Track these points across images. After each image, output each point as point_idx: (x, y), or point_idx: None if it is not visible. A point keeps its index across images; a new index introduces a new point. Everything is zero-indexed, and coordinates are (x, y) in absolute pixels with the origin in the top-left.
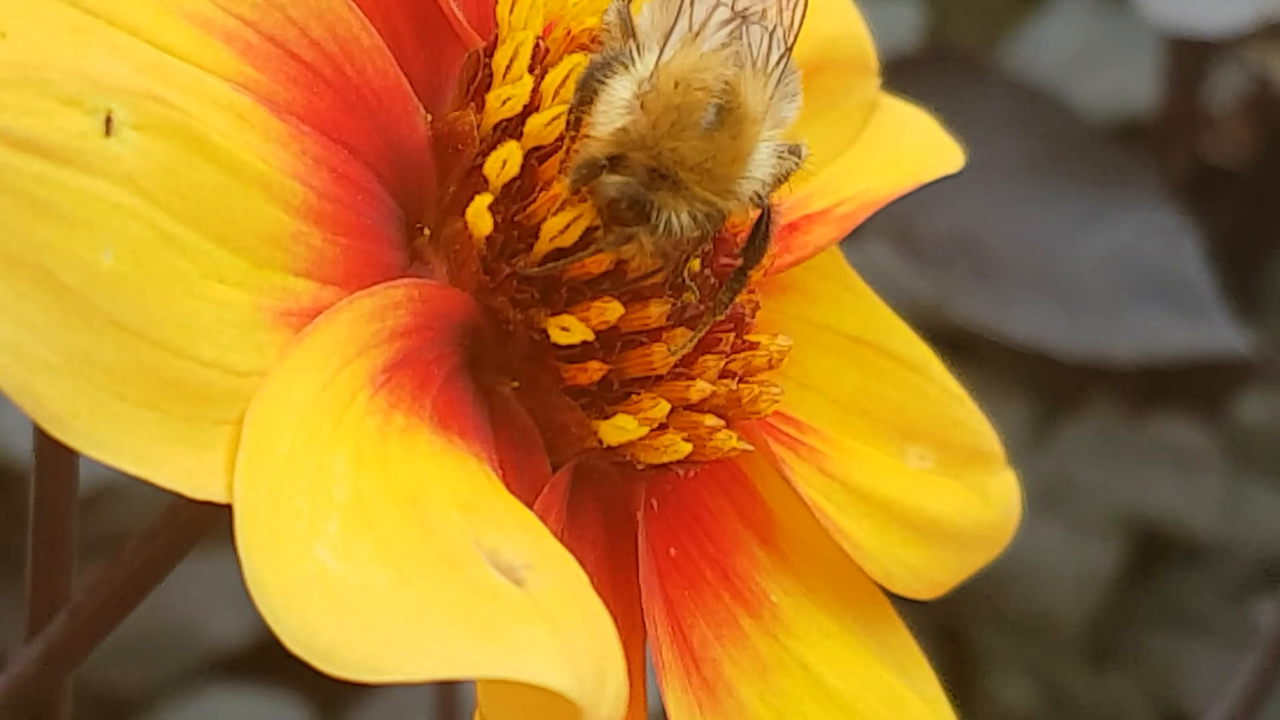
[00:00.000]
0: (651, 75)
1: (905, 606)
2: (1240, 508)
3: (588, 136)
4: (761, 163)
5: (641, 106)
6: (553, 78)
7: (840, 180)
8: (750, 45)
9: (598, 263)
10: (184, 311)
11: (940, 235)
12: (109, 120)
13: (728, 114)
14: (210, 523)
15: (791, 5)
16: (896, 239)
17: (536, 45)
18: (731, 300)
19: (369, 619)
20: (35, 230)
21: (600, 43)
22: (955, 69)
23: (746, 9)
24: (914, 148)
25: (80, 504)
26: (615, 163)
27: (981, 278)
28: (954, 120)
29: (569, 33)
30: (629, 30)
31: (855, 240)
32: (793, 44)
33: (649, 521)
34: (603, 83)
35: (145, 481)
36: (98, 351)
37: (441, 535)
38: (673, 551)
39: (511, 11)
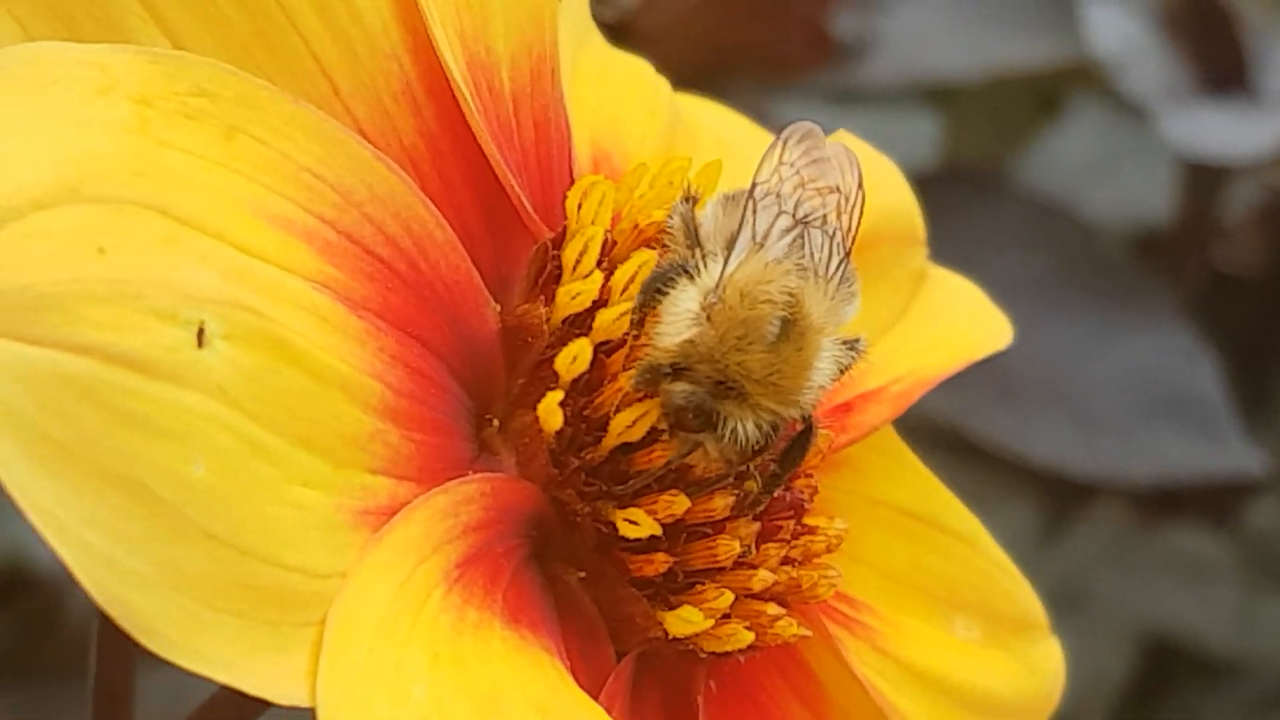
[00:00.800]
0: (718, 287)
1: None
2: (1255, 620)
3: (651, 344)
4: (824, 369)
5: (708, 319)
6: (622, 274)
7: (893, 356)
8: (812, 252)
9: (661, 459)
10: (270, 518)
11: None
12: (201, 331)
13: (792, 327)
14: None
15: (850, 208)
16: None
17: (605, 240)
18: (770, 494)
19: None
20: (129, 444)
21: (664, 245)
22: (971, 185)
23: (808, 216)
24: (965, 322)
25: (96, 613)
26: (679, 371)
27: (998, 396)
28: (970, 237)
29: (636, 226)
30: (692, 234)
31: None
32: (851, 247)
33: (708, 704)
34: (667, 290)
35: None
36: (189, 562)
37: None
38: None
39: (581, 207)
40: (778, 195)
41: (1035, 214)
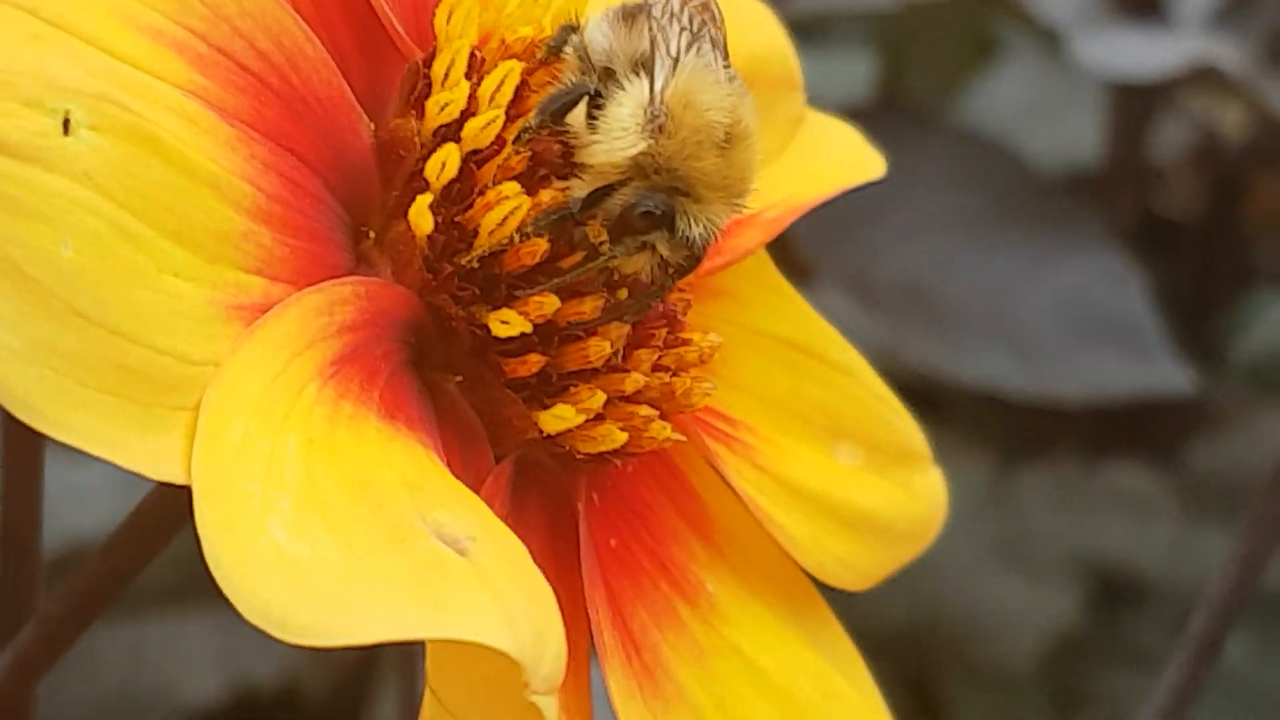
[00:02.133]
0: (654, 100)
1: (870, 659)
2: (1190, 550)
3: (584, 164)
4: (756, 159)
5: (660, 130)
6: (489, 83)
7: (768, 188)
8: (710, 63)
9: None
10: (140, 302)
11: (894, 282)
12: (67, 120)
13: (733, 130)
14: (170, 534)
15: (719, 22)
16: (851, 286)
17: (473, 54)
18: (660, 297)
19: (322, 589)
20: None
21: (555, 71)
22: (907, 121)
23: (697, 29)
24: (837, 156)
25: (50, 565)
26: (630, 176)
27: (934, 323)
28: (906, 171)
29: (503, 41)
30: (586, 58)
31: (809, 287)
32: (727, 56)
33: (590, 514)
34: (561, 117)
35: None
36: (60, 339)
37: (389, 511)
38: (613, 543)
39: (448, 22)
40: (672, 13)
41: (969, 148)
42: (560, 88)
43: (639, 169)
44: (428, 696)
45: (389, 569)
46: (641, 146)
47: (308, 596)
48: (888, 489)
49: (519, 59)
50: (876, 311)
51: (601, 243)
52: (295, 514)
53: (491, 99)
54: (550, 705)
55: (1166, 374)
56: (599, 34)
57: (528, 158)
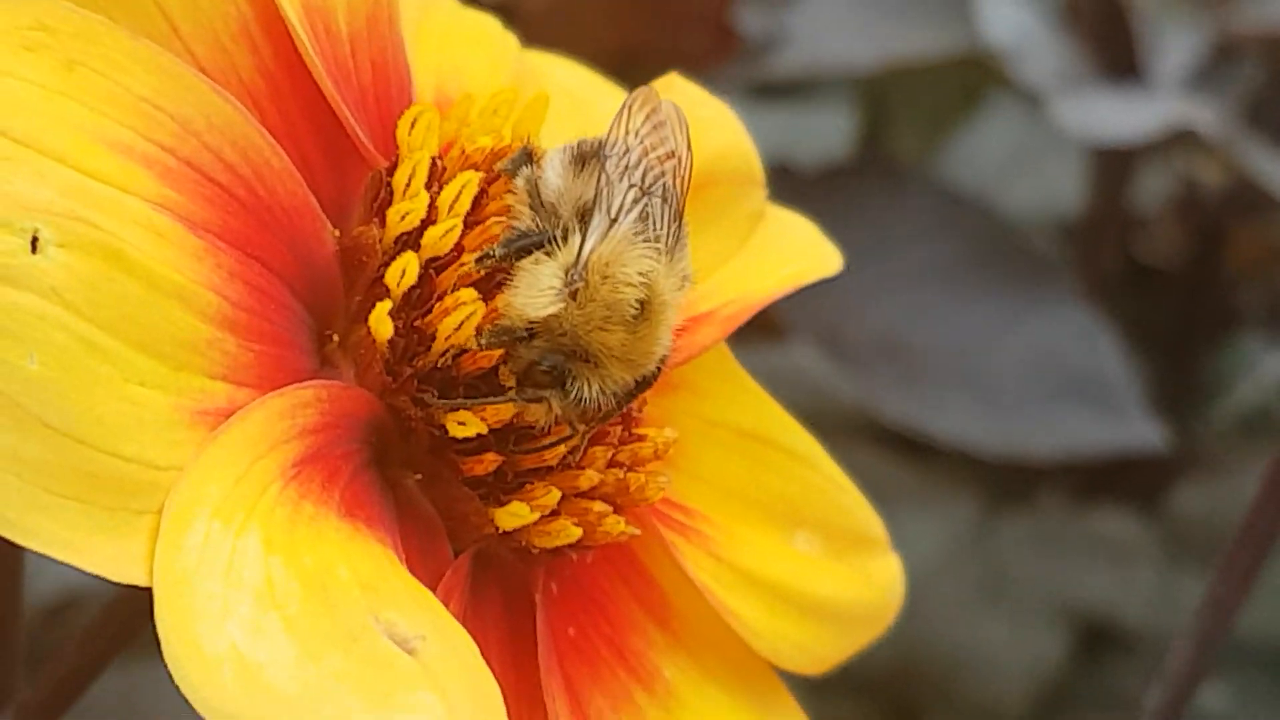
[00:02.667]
0: (578, 264)
1: (857, 700)
2: (1172, 597)
3: (508, 309)
4: (667, 337)
5: (572, 298)
6: (448, 193)
7: (726, 284)
8: (655, 221)
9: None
10: (105, 411)
11: (867, 338)
12: (35, 239)
13: (648, 305)
14: (145, 624)
15: (684, 170)
16: (825, 342)
17: (434, 164)
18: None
19: (274, 690)
20: None
21: (508, 205)
22: (884, 177)
23: (650, 186)
24: (795, 252)
25: (43, 614)
26: (539, 332)
27: (907, 379)
28: (881, 226)
29: (463, 151)
30: (536, 195)
31: (783, 343)
32: (683, 209)
33: (547, 604)
34: (521, 258)
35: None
36: (25, 448)
37: (343, 611)
38: (571, 631)
39: (410, 133)
40: (626, 167)
41: (943, 203)
42: (526, 229)
43: (548, 328)
44: None
45: (340, 668)
46: (553, 310)
47: (261, 697)
48: (845, 575)
49: (478, 169)
50: (849, 367)
51: (510, 386)
52: (253, 615)
53: (451, 208)
54: None
55: (1138, 430)
56: (552, 171)
57: None
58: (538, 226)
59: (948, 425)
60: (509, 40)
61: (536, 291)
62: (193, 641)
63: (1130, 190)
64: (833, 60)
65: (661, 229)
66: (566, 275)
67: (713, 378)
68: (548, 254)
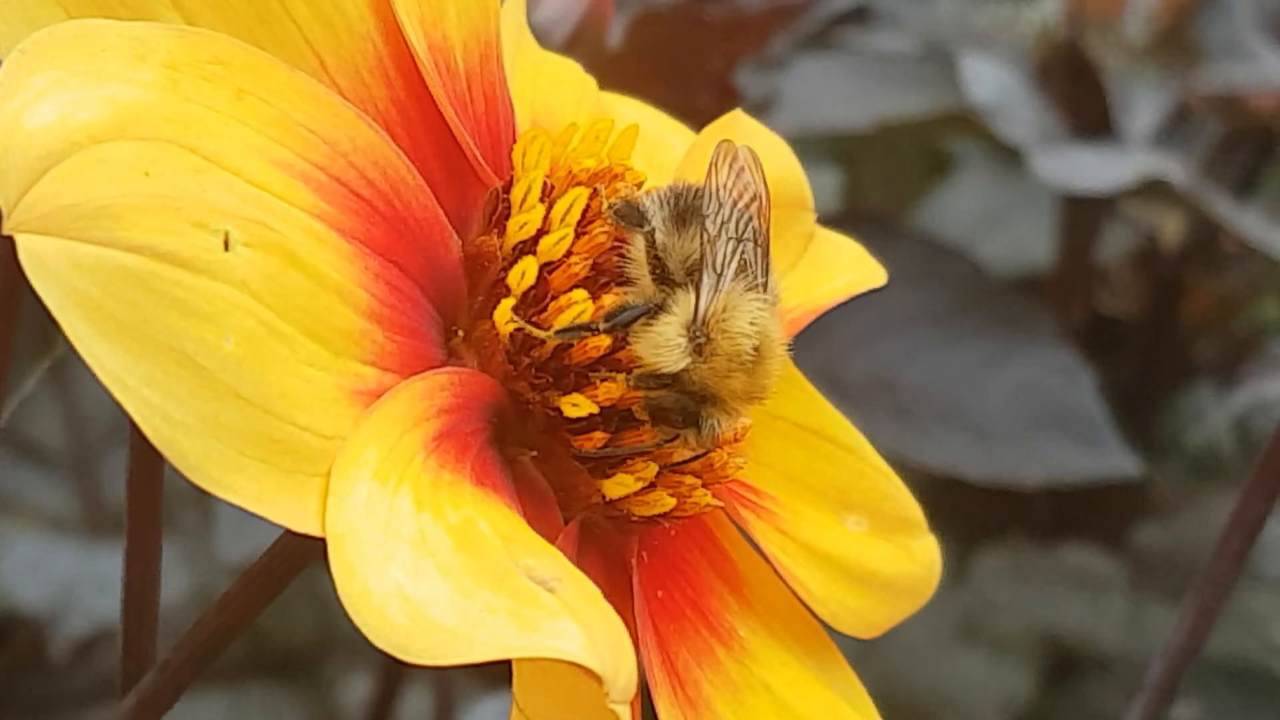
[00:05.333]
0: (697, 321)
1: None
2: (1142, 623)
3: (639, 359)
4: (779, 362)
5: (698, 353)
6: (559, 206)
7: (787, 294)
8: (751, 265)
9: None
10: (285, 387)
11: (863, 376)
12: (226, 239)
13: (760, 348)
14: (276, 592)
15: (764, 210)
16: (822, 381)
17: (544, 183)
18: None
19: (436, 622)
20: (175, 322)
21: (622, 255)
22: (871, 227)
23: (743, 234)
24: (846, 267)
25: (79, 647)
26: (672, 383)
27: (900, 413)
28: None
29: (570, 172)
30: (650, 248)
31: None
32: (768, 243)
33: (641, 569)
34: (647, 321)
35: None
36: (223, 416)
37: (488, 557)
38: (660, 594)
39: (524, 156)
40: (722, 222)
41: (929, 252)
42: (632, 303)
43: (679, 381)
44: (514, 711)
45: (491, 603)
46: (684, 364)
47: (425, 627)
48: (891, 551)
49: (584, 185)
50: (847, 402)
51: (644, 423)
52: (411, 560)
53: (562, 219)
54: (625, 711)
55: (1115, 460)
56: (656, 219)
57: (590, 266)
58: (647, 277)
59: (939, 455)
60: (589, 81)
61: (666, 349)
62: (362, 583)
63: (1097, 244)
64: (825, 121)
65: (757, 268)
66: (689, 332)
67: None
68: (662, 314)
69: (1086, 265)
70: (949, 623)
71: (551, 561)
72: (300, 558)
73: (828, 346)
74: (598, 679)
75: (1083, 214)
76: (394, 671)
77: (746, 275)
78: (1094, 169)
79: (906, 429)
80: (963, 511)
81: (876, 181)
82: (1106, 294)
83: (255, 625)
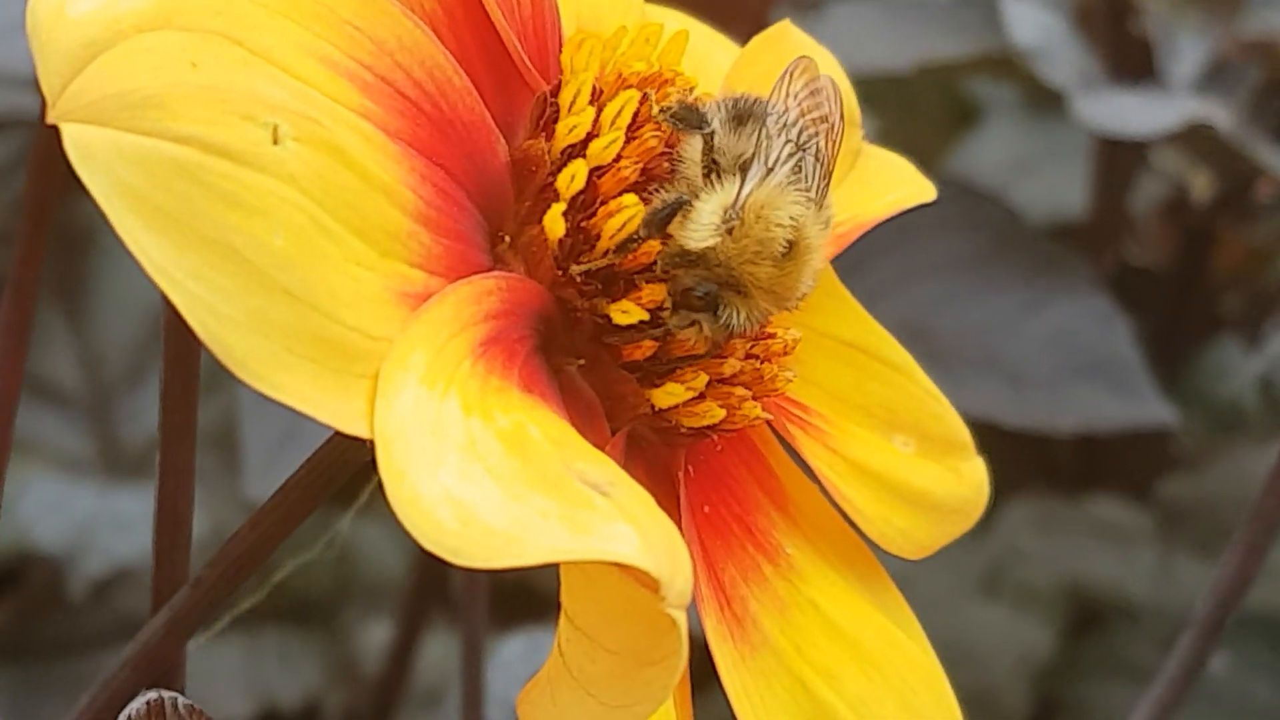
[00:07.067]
0: (736, 205)
1: None
2: (1170, 576)
3: (673, 238)
4: (809, 278)
5: (729, 233)
6: (610, 110)
7: (836, 208)
8: (806, 176)
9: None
10: (333, 284)
11: (896, 322)
12: (275, 133)
13: (795, 246)
14: (310, 509)
15: (835, 136)
16: None
17: (593, 86)
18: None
19: (487, 524)
20: (224, 215)
21: (672, 159)
22: None
23: (804, 143)
24: (895, 182)
25: (96, 589)
26: (698, 261)
27: (935, 359)
28: (907, 218)
29: (620, 75)
30: (709, 151)
31: None
32: (832, 169)
33: (687, 483)
34: (665, 227)
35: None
36: (272, 312)
37: (539, 461)
38: (706, 509)
39: (574, 59)
40: (784, 125)
41: (964, 197)
42: (660, 203)
43: (704, 259)
44: (562, 621)
45: (544, 506)
46: (710, 243)
47: (476, 530)
48: (939, 472)
49: (634, 89)
50: None
51: (665, 308)
52: (460, 464)
53: (613, 122)
54: (682, 617)
55: (1151, 408)
56: (714, 120)
57: (640, 171)
58: (700, 181)
59: (972, 402)
60: None
61: (697, 225)
62: (411, 487)
63: (1129, 195)
64: (868, 63)
65: (812, 182)
66: (725, 214)
67: (822, 294)
68: (704, 195)
69: (1119, 215)
70: (973, 573)
71: (603, 467)
72: (338, 472)
73: (861, 291)
74: (654, 583)
75: (1117, 161)
76: (414, 618)
77: (799, 181)
78: (1137, 113)
79: (940, 375)
80: (991, 461)
81: (901, 129)
82: (1135, 244)
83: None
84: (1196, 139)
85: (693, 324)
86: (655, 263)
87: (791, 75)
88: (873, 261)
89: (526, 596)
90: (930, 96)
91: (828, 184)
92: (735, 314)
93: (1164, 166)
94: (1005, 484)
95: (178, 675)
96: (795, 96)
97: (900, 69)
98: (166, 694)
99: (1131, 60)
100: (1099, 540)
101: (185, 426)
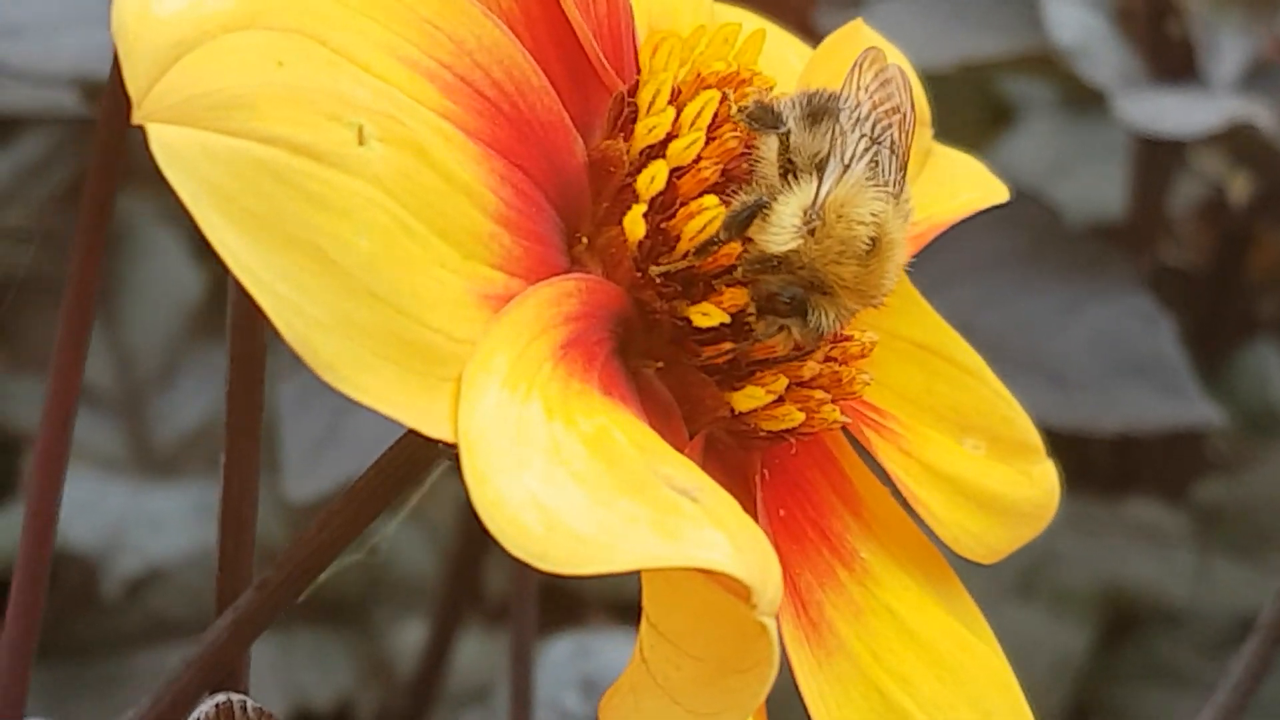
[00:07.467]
0: (815, 205)
1: None
2: (1208, 579)
3: (753, 241)
4: (895, 273)
5: (811, 234)
6: (690, 110)
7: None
8: (883, 169)
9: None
10: (417, 286)
11: None
12: (360, 133)
13: (878, 243)
14: (374, 515)
15: (908, 127)
16: None
17: (672, 84)
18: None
19: (573, 529)
20: (311, 216)
21: (751, 160)
22: None
23: (879, 136)
24: (967, 183)
25: (129, 588)
26: (778, 266)
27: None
28: None
29: (699, 75)
30: (785, 150)
31: None
32: (906, 162)
33: (763, 486)
34: (745, 229)
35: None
36: (358, 314)
37: (625, 466)
38: (782, 513)
39: (654, 58)
40: (858, 119)
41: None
42: (739, 205)
43: (788, 262)
44: (645, 627)
45: (632, 511)
46: (793, 245)
47: (562, 535)
48: (1011, 476)
49: (714, 89)
50: None
51: (749, 313)
52: (544, 468)
53: (693, 123)
54: (772, 624)
55: (1196, 409)
56: (788, 119)
57: (720, 171)
58: (778, 180)
59: (1019, 402)
60: None
61: (778, 228)
62: (496, 492)
63: (1168, 196)
64: (910, 60)
65: (889, 176)
66: (805, 215)
67: (893, 295)
68: (781, 198)
69: (1158, 215)
70: (1009, 574)
71: (689, 471)
72: (407, 475)
73: None
74: (744, 590)
75: (1157, 162)
76: (448, 619)
77: (877, 176)
78: (1179, 112)
79: None
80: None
81: (937, 127)
82: (1172, 245)
83: None
84: (1237, 139)
85: (781, 329)
86: (736, 265)
87: (861, 67)
88: (917, 262)
89: (567, 599)
90: (966, 94)
91: (904, 175)
92: (824, 316)
93: (1202, 167)
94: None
95: (241, 678)
96: (866, 89)
97: (942, 67)
98: (235, 696)
99: (1172, 60)
100: (1136, 542)
101: (250, 427)
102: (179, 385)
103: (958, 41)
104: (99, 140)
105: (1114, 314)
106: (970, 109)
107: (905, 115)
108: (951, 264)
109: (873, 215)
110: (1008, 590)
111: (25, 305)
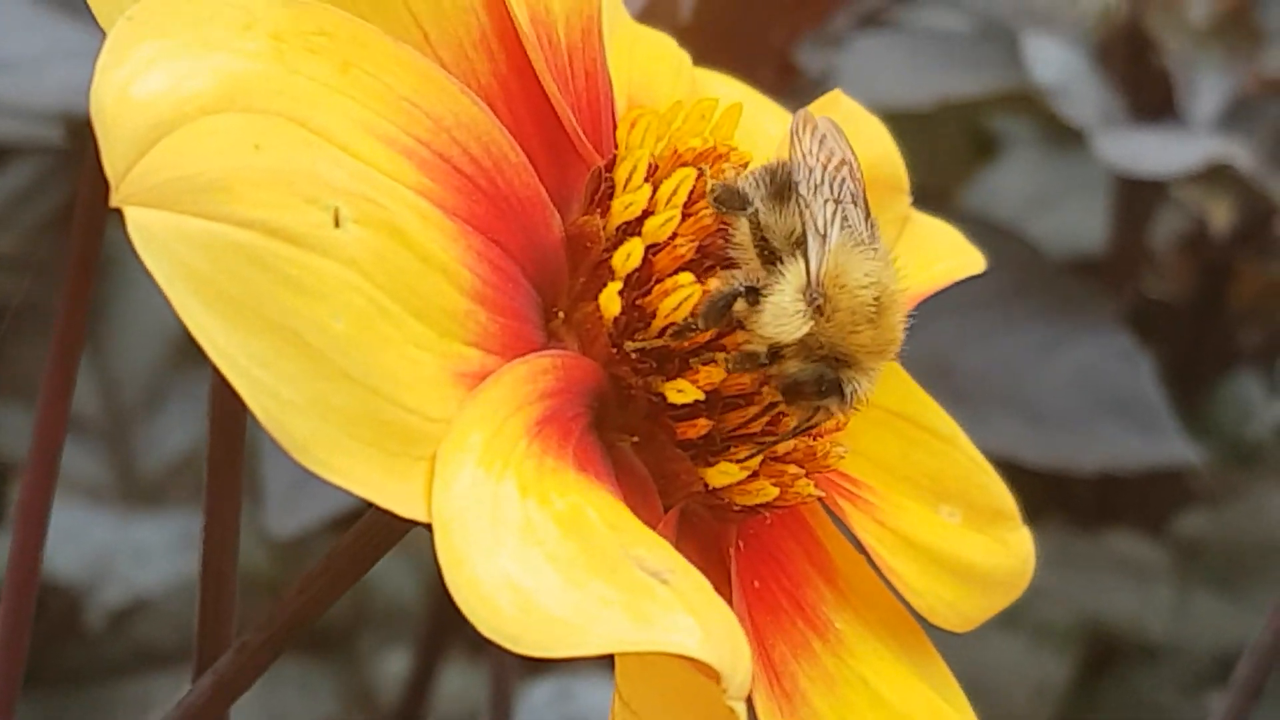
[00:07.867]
0: (812, 284)
1: None
2: (1188, 613)
3: (754, 334)
4: (903, 313)
5: (819, 313)
6: (666, 187)
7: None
8: (855, 226)
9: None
10: (393, 367)
11: (920, 359)
12: (336, 215)
13: (880, 298)
14: (358, 575)
15: (857, 175)
16: None
17: (649, 161)
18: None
19: (547, 611)
20: (286, 300)
21: (727, 237)
22: (926, 207)
23: (839, 195)
24: (944, 252)
25: (114, 618)
26: (797, 353)
27: (957, 397)
28: None
29: (675, 151)
30: (759, 236)
31: None
32: (868, 205)
33: (738, 559)
34: (724, 315)
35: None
36: (332, 396)
37: (598, 546)
38: (756, 584)
39: (630, 134)
40: (815, 185)
41: (985, 233)
42: (716, 293)
43: (804, 347)
44: (617, 704)
45: (604, 594)
46: (806, 330)
47: (535, 618)
48: (986, 544)
49: (690, 165)
50: None
51: (777, 403)
52: (518, 549)
53: (669, 200)
54: (741, 707)
55: (1174, 448)
56: (756, 202)
57: (695, 248)
58: (755, 259)
59: (995, 440)
60: (684, 57)
61: (786, 318)
62: (470, 572)
63: (1149, 229)
64: (886, 99)
65: (861, 228)
66: (806, 296)
67: None
68: (773, 286)
69: (1139, 249)
70: None
71: (662, 552)
72: (385, 540)
73: None
74: (715, 675)
75: (1137, 197)
76: (433, 648)
77: (852, 233)
78: (1158, 151)
79: (963, 413)
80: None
81: (918, 162)
82: (1153, 277)
83: None
84: (1217, 177)
85: (818, 410)
86: (710, 341)
87: (798, 134)
88: None
89: None
90: (950, 128)
91: (871, 220)
92: (858, 385)
93: (1183, 199)
94: (1023, 517)
95: None
96: (811, 153)
97: (921, 104)
98: None
99: (1152, 97)
100: (1117, 575)
101: (232, 459)
102: (165, 413)
103: (938, 79)
104: (87, 172)
105: (1093, 352)
106: (953, 142)
107: (851, 164)
108: (931, 303)
109: (867, 275)
110: (990, 621)
111: (12, 333)
